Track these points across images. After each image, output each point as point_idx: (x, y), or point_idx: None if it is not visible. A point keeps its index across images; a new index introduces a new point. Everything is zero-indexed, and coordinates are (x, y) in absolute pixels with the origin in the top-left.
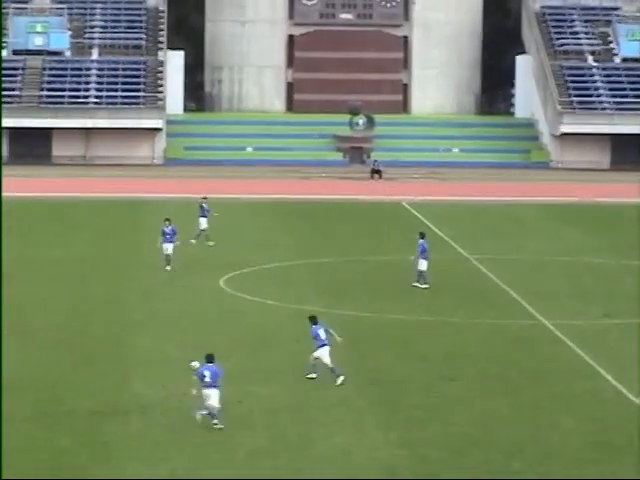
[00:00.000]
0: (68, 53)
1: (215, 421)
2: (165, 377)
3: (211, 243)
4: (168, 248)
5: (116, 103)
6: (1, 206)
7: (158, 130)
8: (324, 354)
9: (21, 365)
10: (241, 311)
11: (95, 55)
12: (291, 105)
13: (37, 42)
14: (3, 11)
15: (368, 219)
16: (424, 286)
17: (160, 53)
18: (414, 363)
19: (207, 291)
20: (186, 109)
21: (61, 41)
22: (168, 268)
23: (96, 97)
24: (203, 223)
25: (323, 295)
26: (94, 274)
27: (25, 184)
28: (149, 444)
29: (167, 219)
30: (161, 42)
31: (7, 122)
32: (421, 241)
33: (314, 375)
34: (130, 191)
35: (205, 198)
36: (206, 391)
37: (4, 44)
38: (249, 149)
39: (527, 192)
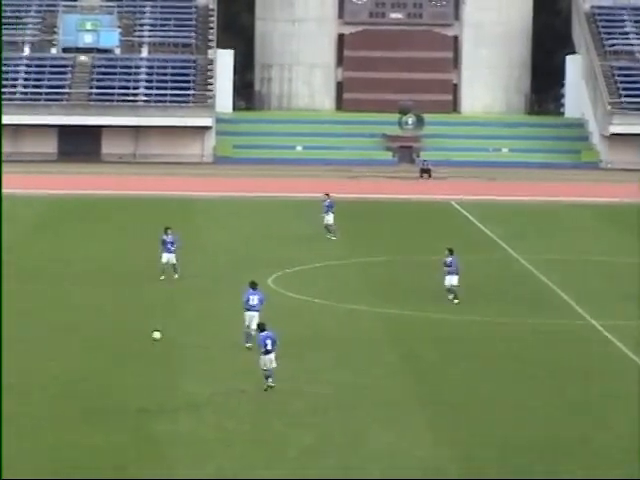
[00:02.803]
0: (118, 51)
1: (270, 380)
2: (214, 375)
3: (334, 237)
4: (169, 258)
5: (165, 101)
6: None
7: (208, 128)
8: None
9: (69, 363)
10: (290, 310)
11: (145, 53)
12: (340, 104)
13: (87, 40)
14: (54, 10)
15: (417, 218)
16: (456, 301)
17: (210, 51)
18: (462, 363)
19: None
20: (236, 108)
21: (111, 39)
22: (176, 276)
23: (145, 95)
24: (329, 219)
25: (372, 294)
26: (142, 272)
27: (73, 181)
28: (198, 442)
29: (167, 228)
30: (211, 40)
31: (56, 119)
32: (450, 259)
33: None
34: (179, 189)
35: (328, 195)
36: (264, 356)
37: (54, 42)
38: (298, 148)
39: (576, 192)
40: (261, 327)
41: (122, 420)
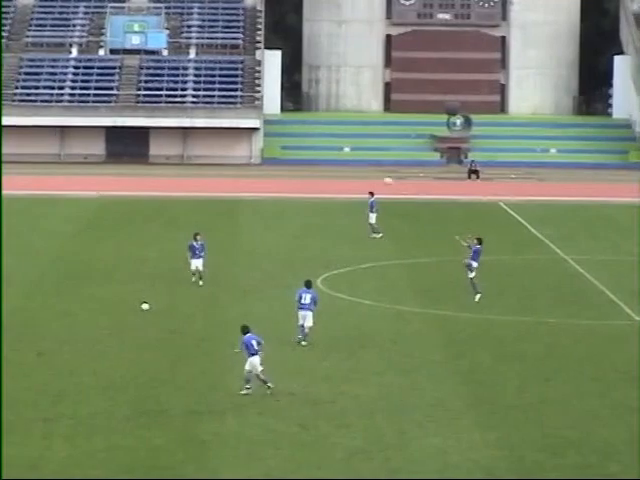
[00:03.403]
0: (165, 52)
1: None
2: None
3: (378, 235)
4: (198, 264)
5: (213, 102)
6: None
7: (255, 130)
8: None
9: (118, 364)
10: (338, 311)
11: (192, 54)
12: (388, 105)
13: (134, 41)
14: (101, 11)
15: (465, 219)
16: (477, 297)
17: (257, 52)
18: (510, 363)
19: None
20: (283, 109)
21: (158, 40)
22: (200, 283)
23: (193, 96)
24: (372, 218)
25: (419, 295)
26: (189, 273)
27: (122, 183)
28: (245, 444)
29: (197, 234)
30: (258, 42)
31: (104, 121)
32: (478, 246)
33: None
34: (227, 190)
35: (372, 194)
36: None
37: (102, 44)
38: (346, 149)
39: (624, 193)
40: (245, 330)
41: (170, 421)
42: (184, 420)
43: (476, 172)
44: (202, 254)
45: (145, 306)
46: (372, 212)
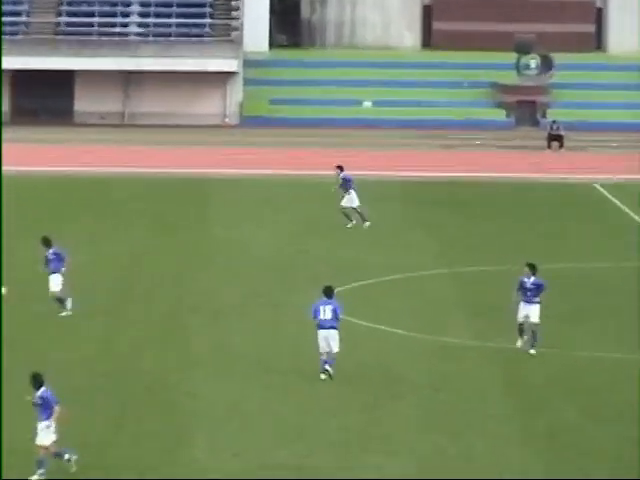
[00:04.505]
0: None
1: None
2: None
3: (350, 224)
4: (53, 280)
5: (169, 35)
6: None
7: (232, 75)
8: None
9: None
10: (355, 343)
11: None
12: (428, 39)
13: None
14: None
15: (542, 209)
16: (532, 351)
17: None
18: (607, 423)
19: (302, 311)
20: (273, 44)
21: None
22: (64, 313)
23: (139, 25)
24: (352, 200)
25: (472, 320)
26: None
27: (33, 153)
28: None
29: (46, 239)
30: None
31: (9, 63)
32: (532, 279)
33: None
34: (190, 165)
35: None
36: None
37: None
38: (366, 104)
39: None
40: (38, 383)
41: None
42: None
43: (559, 138)
44: (59, 267)
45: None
46: (348, 193)
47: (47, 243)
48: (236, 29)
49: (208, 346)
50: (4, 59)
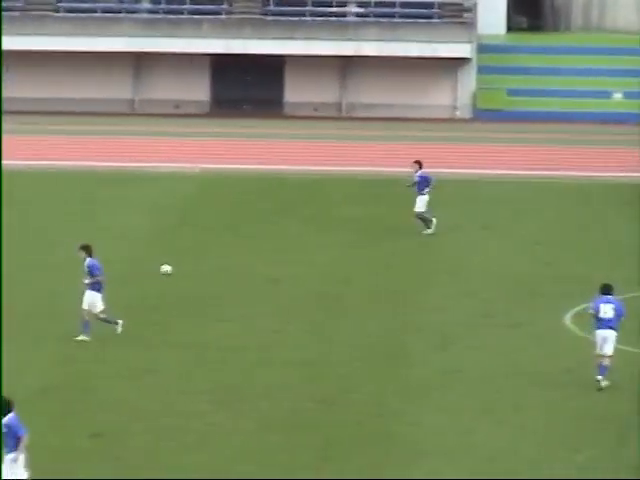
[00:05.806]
0: None
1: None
2: None
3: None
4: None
5: (393, 15)
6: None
7: (464, 61)
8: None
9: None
10: (610, 373)
11: None
12: None
13: None
14: None
15: None
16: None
17: None
18: None
19: (544, 334)
20: (512, 27)
21: None
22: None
23: (359, 5)
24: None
25: None
26: None
27: (237, 149)
28: None
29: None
30: None
31: (210, 46)
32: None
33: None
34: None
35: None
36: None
37: None
38: (616, 95)
39: None
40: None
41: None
42: None
43: None
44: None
45: (166, 268)
46: (422, 194)
47: None
48: (469, 10)
49: (434, 371)
50: (208, 42)
